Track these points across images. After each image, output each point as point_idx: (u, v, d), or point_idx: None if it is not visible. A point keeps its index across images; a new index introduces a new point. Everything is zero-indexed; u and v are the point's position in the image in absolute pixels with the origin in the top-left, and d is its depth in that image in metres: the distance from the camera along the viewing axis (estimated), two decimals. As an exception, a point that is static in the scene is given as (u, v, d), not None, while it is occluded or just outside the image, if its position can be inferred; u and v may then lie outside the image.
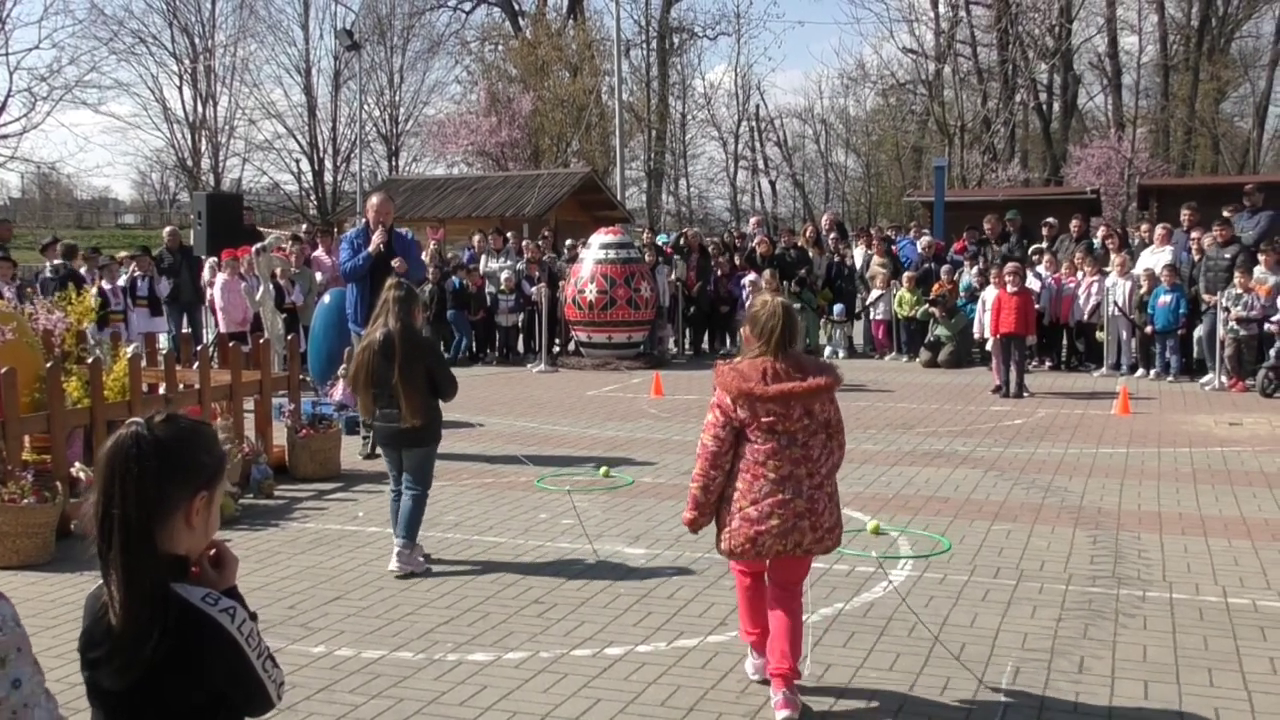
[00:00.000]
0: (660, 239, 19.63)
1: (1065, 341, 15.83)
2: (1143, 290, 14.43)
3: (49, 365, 7.69)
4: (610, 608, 5.78)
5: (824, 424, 4.45)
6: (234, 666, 2.16)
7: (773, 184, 53.31)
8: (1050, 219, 17.16)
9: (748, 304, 4.93)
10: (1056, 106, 45.60)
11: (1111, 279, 14.88)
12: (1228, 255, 13.99)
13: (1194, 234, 15.04)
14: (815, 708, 4.56)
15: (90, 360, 8.07)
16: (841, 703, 4.61)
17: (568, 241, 19.13)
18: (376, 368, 6.33)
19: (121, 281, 14.82)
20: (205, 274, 16.06)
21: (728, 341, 18.35)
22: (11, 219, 20.62)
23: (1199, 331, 14.23)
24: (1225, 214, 15.02)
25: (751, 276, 17.15)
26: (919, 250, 17.75)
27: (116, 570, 2.10)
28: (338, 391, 11.13)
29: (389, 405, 6.36)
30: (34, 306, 9.14)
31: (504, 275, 17.51)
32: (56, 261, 14.68)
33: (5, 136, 38.20)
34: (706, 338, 18.49)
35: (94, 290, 12.16)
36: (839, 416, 4.56)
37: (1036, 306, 14.31)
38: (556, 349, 17.22)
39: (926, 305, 15.88)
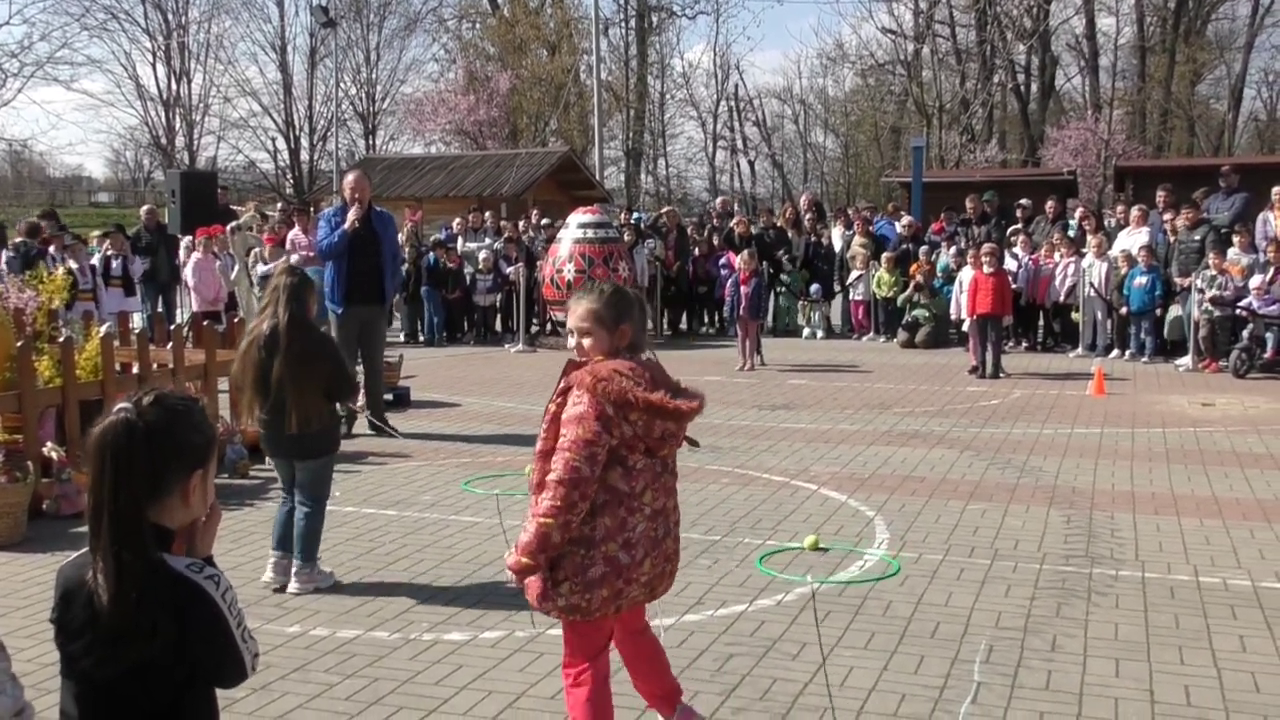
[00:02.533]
0: (634, 218, 19.59)
1: (1042, 322, 15.90)
2: (1121, 271, 14.50)
3: (20, 344, 7.61)
4: (587, 587, 5.77)
5: None
6: (214, 634, 2.18)
7: (751, 164, 53.30)
8: (1024, 200, 17.22)
9: (602, 294, 3.66)
10: (1034, 88, 45.71)
11: (1088, 260, 14.95)
12: (1197, 237, 14.08)
13: (1168, 216, 15.13)
14: (788, 687, 4.58)
15: (62, 339, 7.99)
16: (815, 682, 4.63)
17: (544, 221, 19.06)
18: (263, 365, 5.52)
19: (95, 260, 14.67)
20: (181, 254, 15.93)
21: (705, 321, 18.35)
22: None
23: (1174, 313, 14.32)
24: (1195, 197, 15.10)
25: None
26: (898, 231, 17.78)
27: (107, 561, 2.09)
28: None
29: (277, 409, 5.56)
30: (4, 285, 9.05)
31: (482, 255, 17.45)
32: (18, 240, 14.50)
33: (-24, 113, 37.70)
34: (685, 317, 18.48)
35: (62, 270, 12.03)
36: None
37: (1014, 287, 14.36)
38: (535, 329, 17.17)
39: (911, 289, 15.89)
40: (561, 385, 3.48)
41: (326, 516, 5.96)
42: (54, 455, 7.33)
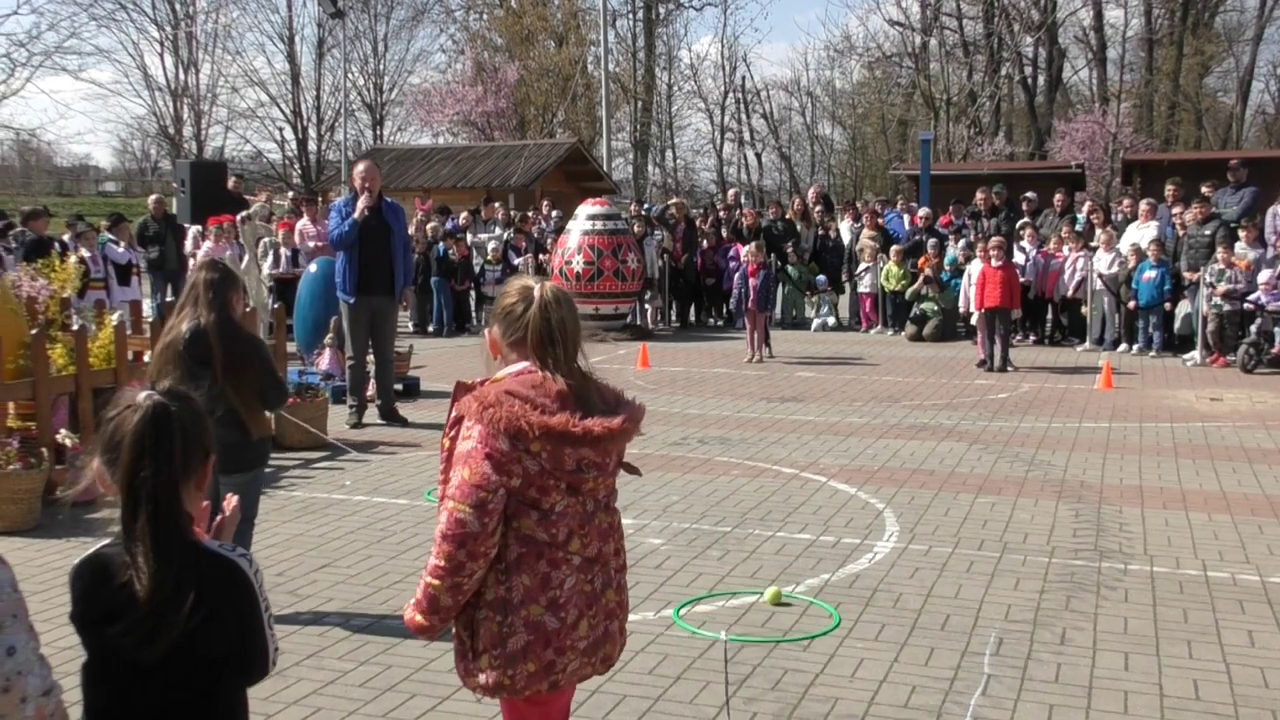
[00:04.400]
0: (645, 209, 19.61)
1: (1050, 316, 15.89)
2: (1129, 265, 14.49)
3: (34, 332, 7.65)
4: (598, 577, 5.80)
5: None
6: (246, 609, 2.25)
7: (759, 156, 53.26)
8: (1029, 193, 17.20)
9: (499, 292, 3.06)
10: (1041, 80, 45.61)
11: (1097, 254, 14.94)
12: (1207, 232, 14.06)
13: (1177, 210, 15.11)
14: (799, 678, 4.61)
15: (76, 328, 8.04)
16: (826, 673, 4.66)
17: (555, 214, 19.08)
18: (187, 370, 4.82)
19: (122, 249, 14.70)
20: (189, 243, 15.97)
21: (713, 313, 18.36)
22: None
23: (1183, 308, 14.31)
24: (1204, 191, 15.08)
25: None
26: (906, 224, 17.77)
27: (145, 539, 2.14)
28: (324, 361, 11.13)
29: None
30: (17, 274, 9.09)
31: (491, 246, 17.47)
32: (17, 230, 14.55)
33: (-16, 102, 37.74)
34: (693, 310, 18.50)
35: (74, 258, 12.07)
36: None
37: (1022, 280, 14.36)
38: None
39: (919, 282, 15.89)
40: (452, 415, 2.82)
41: (337, 506, 5.99)
42: (67, 442, 7.37)
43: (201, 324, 4.91)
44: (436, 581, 2.74)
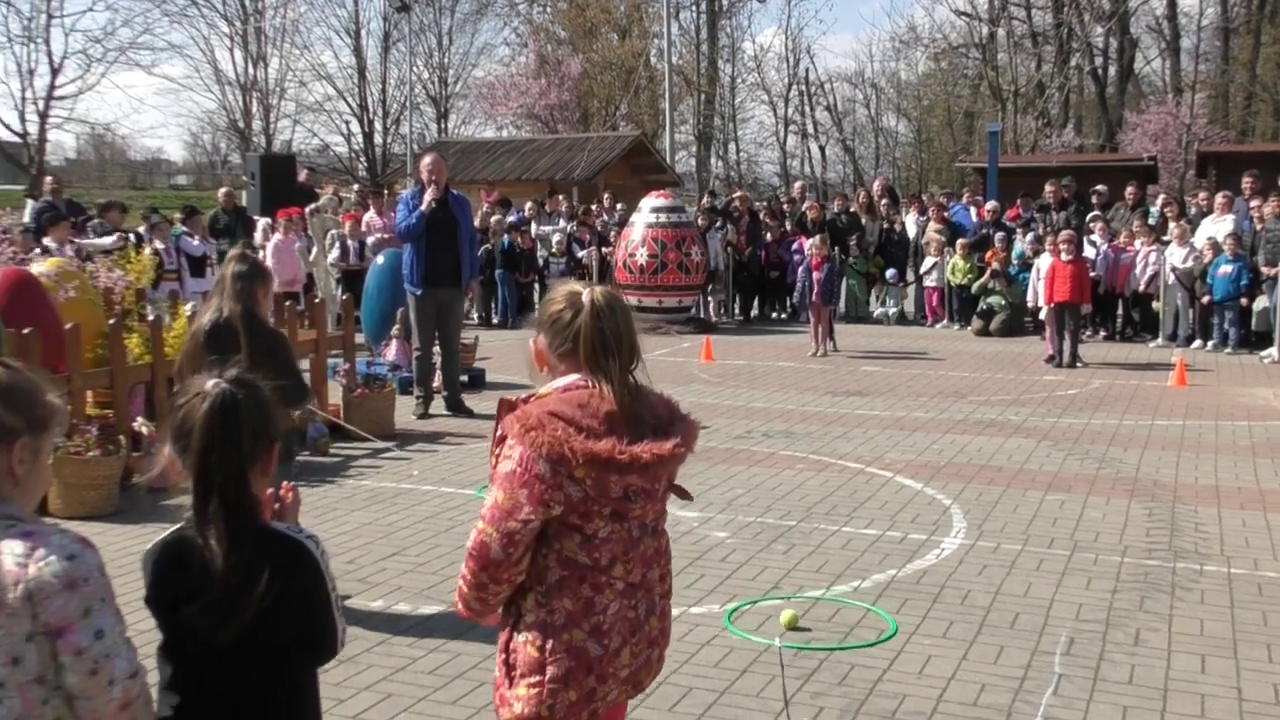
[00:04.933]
0: (714, 201, 19.56)
1: (1121, 311, 15.62)
2: (1204, 260, 14.19)
3: (111, 322, 7.83)
4: (663, 570, 5.81)
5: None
6: (314, 595, 2.30)
7: (822, 149, 52.86)
8: (1100, 186, 16.88)
9: (544, 299, 2.79)
10: (1112, 71, 44.76)
11: (1170, 248, 14.64)
12: (1288, 225, 13.72)
13: (1255, 203, 14.75)
14: (867, 674, 4.58)
15: (151, 318, 8.20)
16: (894, 669, 4.63)
17: (619, 206, 19.11)
18: (208, 366, 5.05)
19: (196, 243, 14.98)
20: (258, 235, 16.21)
21: (777, 307, 18.27)
22: (67, 179, 20.90)
23: (1260, 303, 13.98)
24: (1282, 183, 14.72)
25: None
26: (973, 218, 17.56)
27: (217, 524, 2.19)
28: (391, 352, 11.25)
29: None
30: (95, 265, 9.30)
31: (555, 238, 17.53)
32: (95, 221, 14.87)
33: (62, 98, 38.69)
34: (757, 303, 18.42)
35: (149, 250, 12.32)
36: None
37: (1092, 275, 14.12)
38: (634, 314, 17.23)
39: (987, 276, 15.68)
40: (498, 433, 2.67)
41: (404, 495, 6.05)
42: (144, 430, 7.52)
43: (223, 316, 4.84)
44: (465, 590, 2.66)
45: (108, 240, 13.31)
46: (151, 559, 2.28)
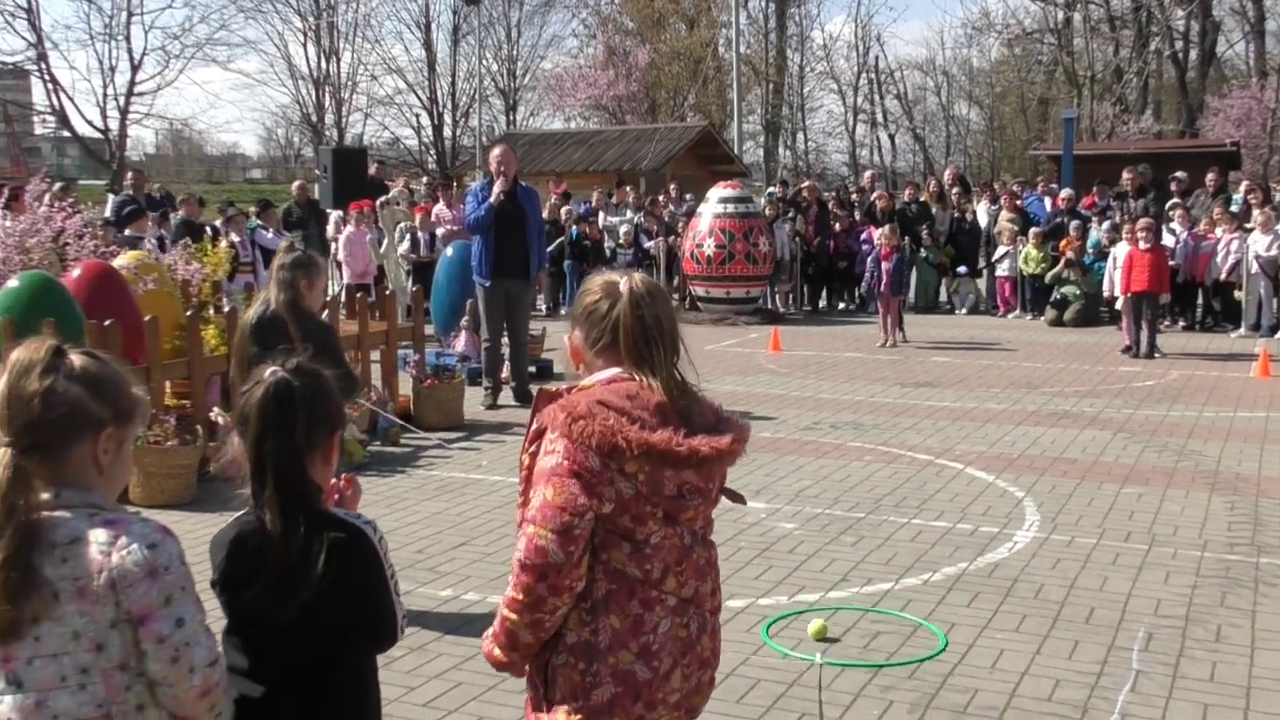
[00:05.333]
0: (786, 191, 19.46)
1: (1200, 301, 15.24)
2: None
3: (188, 314, 7.98)
4: (731, 560, 5.79)
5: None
6: (372, 580, 2.32)
7: (892, 138, 52.33)
8: (1179, 173, 16.48)
9: (582, 288, 2.58)
10: (1193, 54, 43.65)
11: (1254, 235, 14.25)
12: (1379, 212, 13.29)
13: (1343, 189, 14.31)
14: (938, 667, 4.52)
15: (227, 310, 8.35)
16: (965, 663, 4.56)
17: (687, 197, 19.07)
18: (253, 359, 4.45)
19: (271, 235, 15.26)
20: (330, 228, 16.44)
21: (845, 297, 18.11)
22: (146, 174, 21.37)
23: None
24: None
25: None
26: (1047, 206, 17.25)
27: (272, 508, 2.23)
28: (460, 343, 11.34)
29: None
30: (173, 258, 9.49)
31: (623, 229, 17.55)
32: (180, 214, 15.20)
33: (141, 94, 39.51)
34: (825, 293, 18.28)
35: (225, 243, 12.54)
36: None
37: (1171, 264, 13.79)
38: (674, 303, 17.22)
39: (1062, 265, 15.40)
40: (534, 427, 2.46)
41: (474, 485, 6.08)
42: (220, 419, 7.66)
43: (270, 308, 4.77)
44: (514, 616, 2.36)
45: (276, 239, 13.95)
46: (217, 543, 2.33)
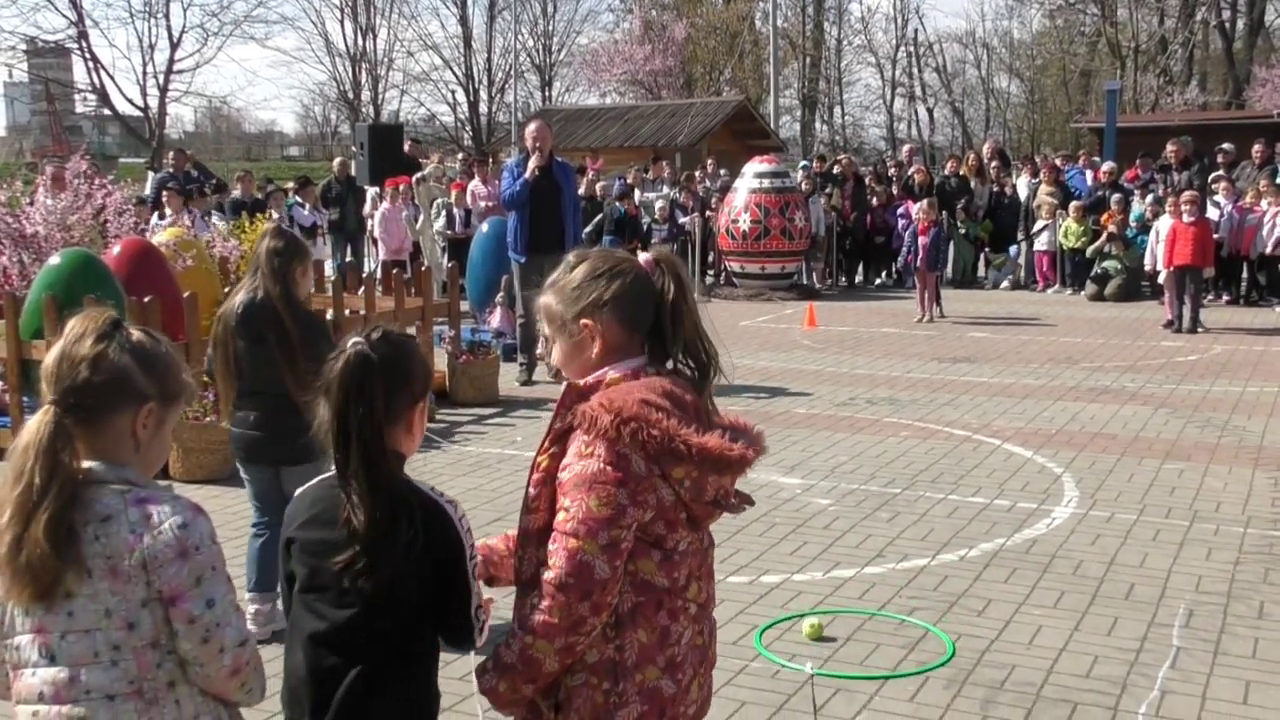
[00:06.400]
0: (801, 165, 19.31)
1: (1245, 275, 15.00)
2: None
3: (226, 291, 8.03)
4: (766, 536, 5.78)
5: None
6: (450, 560, 2.24)
7: (930, 111, 51.75)
8: (1225, 145, 16.19)
9: (589, 272, 2.30)
10: (1240, 24, 42.80)
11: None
12: None
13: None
14: (974, 643, 4.49)
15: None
16: (1002, 639, 4.53)
17: (722, 173, 18.98)
18: (237, 350, 4.45)
19: (307, 212, 15.38)
20: (367, 204, 16.50)
21: (882, 273, 17.98)
22: (189, 152, 21.54)
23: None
24: None
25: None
26: (1088, 180, 17.02)
27: (358, 480, 2.21)
28: (495, 319, 11.37)
29: (265, 404, 4.45)
30: (210, 235, 9.56)
31: (658, 205, 17.49)
32: (235, 193, 15.37)
33: (180, 71, 39.76)
34: (861, 269, 18.16)
35: (264, 220, 12.63)
36: None
37: (1215, 237, 13.58)
38: (710, 279, 17.16)
39: (1103, 239, 15.19)
40: (558, 425, 2.26)
41: (508, 461, 6.09)
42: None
43: (259, 297, 4.45)
44: (544, 642, 2.15)
45: (313, 216, 14.16)
46: (301, 505, 2.31)
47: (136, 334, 2.10)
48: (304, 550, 2.28)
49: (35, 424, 2.00)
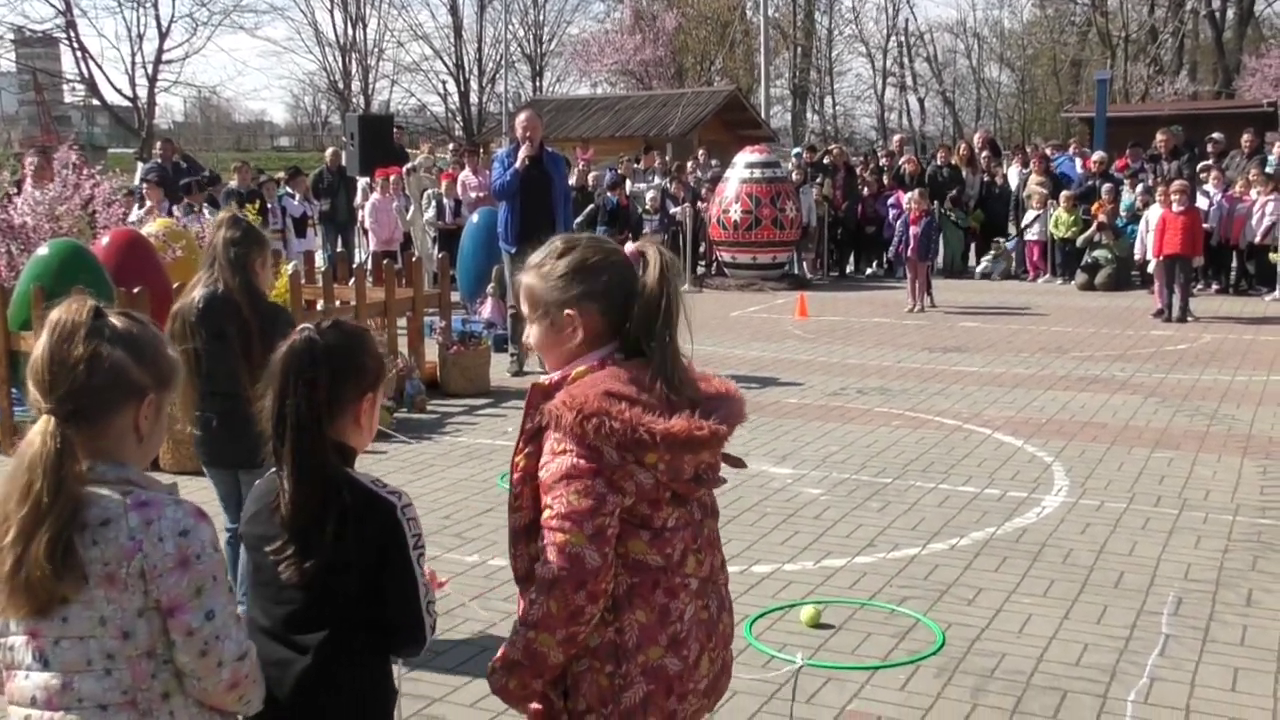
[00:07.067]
0: (795, 152, 19.30)
1: (1235, 264, 15.04)
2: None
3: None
4: (757, 526, 5.79)
5: None
6: (393, 555, 2.21)
7: (921, 101, 51.80)
8: (1215, 134, 16.22)
9: (577, 258, 2.33)
10: (1230, 14, 42.87)
11: (1289, 197, 14.02)
12: None
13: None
14: (965, 632, 4.51)
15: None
16: (992, 628, 4.55)
17: (713, 163, 18.97)
18: (198, 347, 4.19)
19: (297, 203, 15.33)
20: (358, 195, 16.45)
21: (873, 263, 17.99)
22: (177, 142, 21.43)
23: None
24: None
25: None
26: (1078, 169, 17.04)
27: (288, 464, 2.19)
28: (486, 309, 11.36)
29: (224, 404, 4.20)
30: (201, 225, 9.53)
31: (649, 195, 17.47)
32: (232, 184, 15.33)
33: (169, 61, 39.61)
34: (852, 259, 18.16)
35: (253, 209, 12.58)
36: None
37: (1205, 226, 13.60)
38: (701, 269, 17.16)
39: (1094, 229, 15.21)
40: (529, 425, 2.29)
41: (500, 451, 6.09)
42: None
43: (219, 289, 4.23)
44: (546, 635, 2.19)
45: (303, 207, 14.10)
46: (252, 494, 2.30)
47: (120, 321, 2.02)
48: (247, 544, 2.28)
49: (38, 437, 1.92)
